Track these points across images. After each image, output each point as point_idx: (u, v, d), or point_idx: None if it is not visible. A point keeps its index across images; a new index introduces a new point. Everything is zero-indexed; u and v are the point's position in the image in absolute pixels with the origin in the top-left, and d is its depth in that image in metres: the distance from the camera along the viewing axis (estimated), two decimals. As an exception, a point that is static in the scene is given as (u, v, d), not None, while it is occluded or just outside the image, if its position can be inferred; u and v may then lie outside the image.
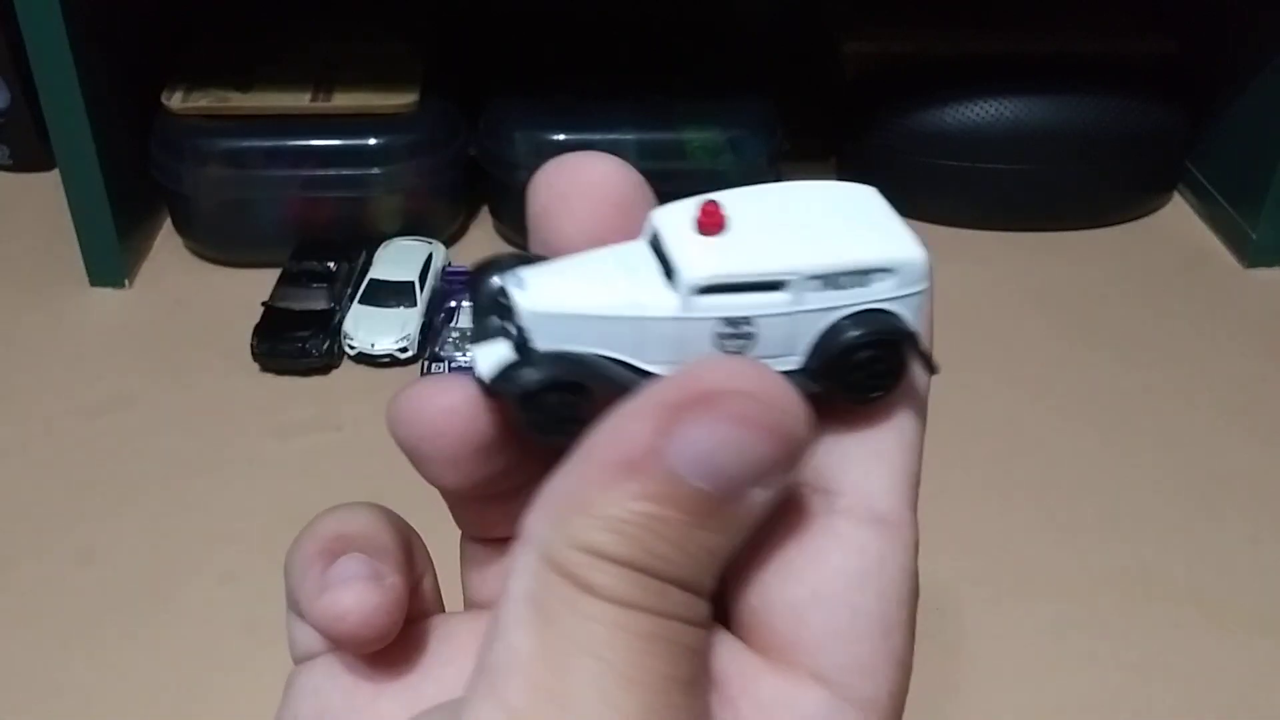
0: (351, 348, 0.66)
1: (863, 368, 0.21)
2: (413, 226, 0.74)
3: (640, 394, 0.18)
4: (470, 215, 0.79)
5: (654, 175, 0.76)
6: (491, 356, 0.20)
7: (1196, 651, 0.52)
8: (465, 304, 0.67)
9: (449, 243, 0.76)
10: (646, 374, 0.20)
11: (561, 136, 0.73)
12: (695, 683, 0.18)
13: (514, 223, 0.77)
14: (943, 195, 0.80)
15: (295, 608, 0.23)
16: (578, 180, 0.22)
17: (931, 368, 0.21)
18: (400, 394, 0.21)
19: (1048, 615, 0.53)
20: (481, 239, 0.78)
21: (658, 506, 0.18)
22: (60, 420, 0.64)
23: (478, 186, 0.77)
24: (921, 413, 0.22)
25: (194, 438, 0.62)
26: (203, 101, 0.71)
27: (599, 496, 0.18)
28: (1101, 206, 0.81)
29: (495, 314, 0.20)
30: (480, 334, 0.20)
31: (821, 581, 0.21)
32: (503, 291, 0.20)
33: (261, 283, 0.70)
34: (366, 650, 0.23)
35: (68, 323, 0.71)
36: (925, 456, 0.57)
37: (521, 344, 0.20)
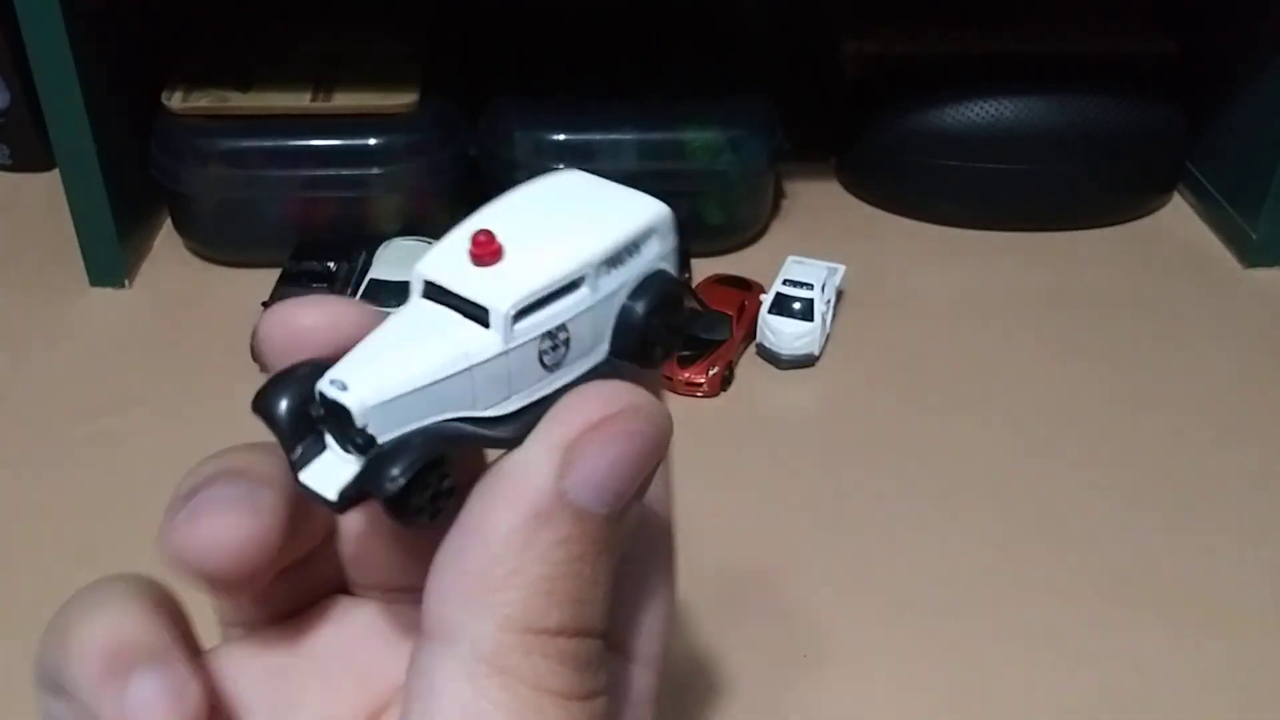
0: (351, 348, 0.66)
1: (657, 334, 0.21)
2: (413, 226, 0.74)
3: (521, 451, 0.18)
4: (470, 215, 0.79)
5: (654, 175, 0.77)
6: (327, 475, 0.19)
7: (1196, 651, 0.52)
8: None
9: (449, 243, 0.76)
10: (486, 420, 0.19)
11: (561, 136, 0.73)
12: None
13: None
14: (943, 195, 0.80)
15: (46, 680, 0.22)
16: (296, 335, 0.21)
17: (703, 305, 0.22)
18: (173, 524, 0.21)
19: (1048, 615, 0.53)
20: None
21: (577, 546, 0.18)
22: (60, 420, 0.64)
23: (478, 186, 0.77)
24: (672, 577, 0.23)
25: (194, 438, 0.62)
26: (203, 101, 0.71)
27: (521, 558, 0.18)
28: (1101, 206, 0.81)
29: (308, 427, 0.19)
30: (304, 458, 0.19)
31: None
32: (320, 402, 0.19)
33: (261, 283, 0.70)
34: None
35: (68, 323, 0.71)
36: (926, 456, 0.58)
37: (366, 444, 0.18)
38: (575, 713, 0.18)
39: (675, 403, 0.63)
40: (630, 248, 0.20)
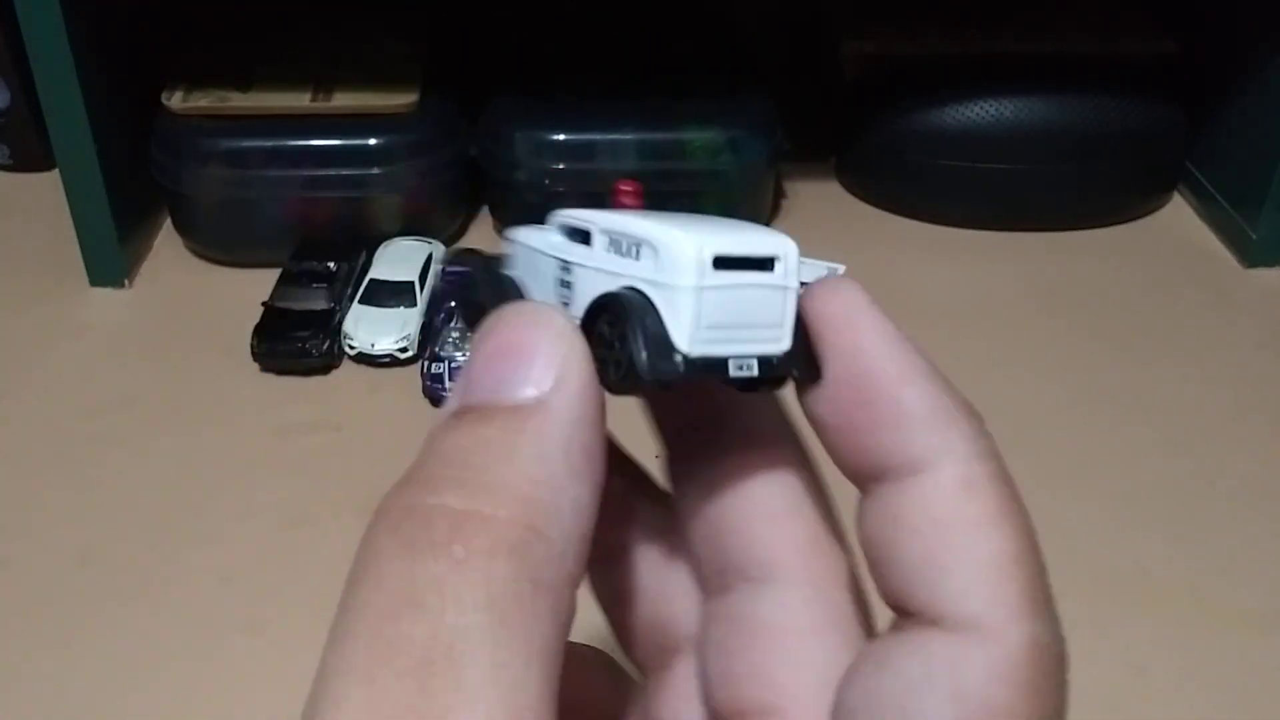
0: (351, 348, 0.66)
1: (606, 343, 0.20)
2: (413, 226, 0.74)
3: None
4: (470, 215, 0.79)
5: (654, 175, 0.77)
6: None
7: (1196, 651, 0.52)
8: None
9: (449, 243, 0.76)
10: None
11: (561, 136, 0.73)
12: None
13: (514, 223, 0.77)
14: (943, 195, 0.80)
15: None
16: None
17: (665, 372, 0.19)
18: None
19: (1048, 615, 0.53)
20: (481, 239, 0.78)
21: (470, 428, 0.19)
22: (60, 420, 0.64)
23: (478, 186, 0.77)
24: (975, 483, 0.20)
25: (194, 438, 0.62)
26: (203, 101, 0.71)
27: (427, 447, 0.19)
28: (1101, 206, 0.81)
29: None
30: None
31: (880, 683, 0.19)
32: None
33: (261, 283, 0.70)
34: None
35: (68, 323, 0.71)
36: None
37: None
38: (389, 595, 0.17)
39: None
40: (631, 244, 0.20)
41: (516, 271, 0.23)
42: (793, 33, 0.94)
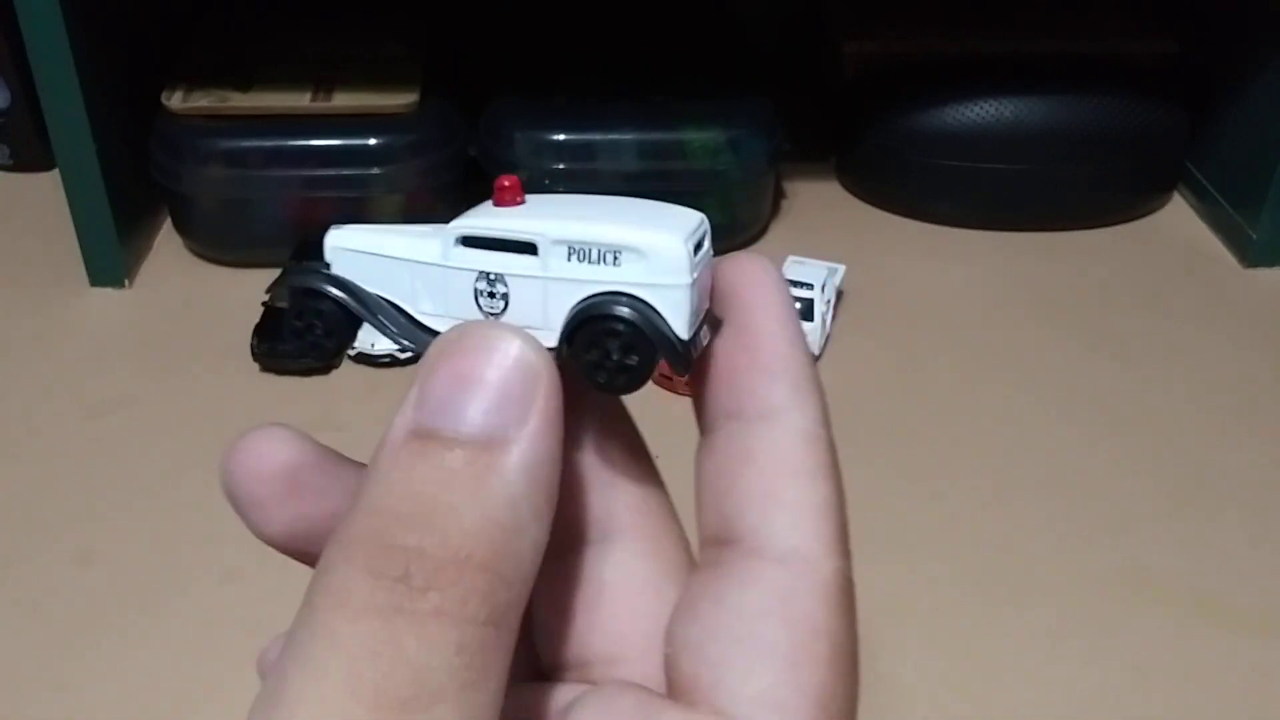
0: (352, 348, 0.66)
1: (606, 349, 0.20)
2: (413, 227, 0.74)
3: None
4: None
5: (654, 175, 0.77)
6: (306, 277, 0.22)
7: (1196, 651, 0.52)
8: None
9: (449, 243, 0.76)
10: (415, 320, 0.22)
11: (561, 136, 0.73)
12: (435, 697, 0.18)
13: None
14: (943, 195, 0.80)
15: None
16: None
17: (685, 365, 0.21)
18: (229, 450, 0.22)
19: (1047, 615, 0.53)
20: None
21: (421, 467, 0.18)
22: (60, 420, 0.64)
23: (478, 186, 0.77)
24: (817, 440, 0.21)
25: (194, 438, 0.62)
26: (203, 101, 0.71)
27: (366, 485, 0.18)
28: (1101, 206, 0.81)
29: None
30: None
31: (719, 618, 0.20)
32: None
33: (261, 283, 0.70)
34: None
35: (68, 323, 0.71)
36: (925, 455, 0.58)
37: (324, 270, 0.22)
38: (366, 635, 0.17)
39: (675, 402, 0.63)
40: (604, 251, 0.20)
41: (372, 286, 0.22)
42: (793, 33, 0.94)
